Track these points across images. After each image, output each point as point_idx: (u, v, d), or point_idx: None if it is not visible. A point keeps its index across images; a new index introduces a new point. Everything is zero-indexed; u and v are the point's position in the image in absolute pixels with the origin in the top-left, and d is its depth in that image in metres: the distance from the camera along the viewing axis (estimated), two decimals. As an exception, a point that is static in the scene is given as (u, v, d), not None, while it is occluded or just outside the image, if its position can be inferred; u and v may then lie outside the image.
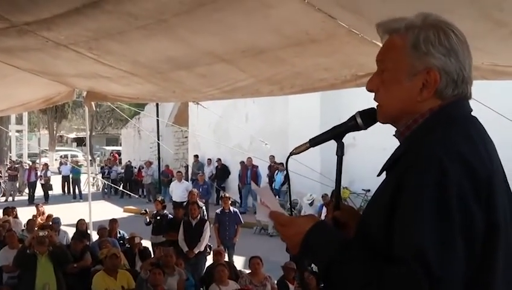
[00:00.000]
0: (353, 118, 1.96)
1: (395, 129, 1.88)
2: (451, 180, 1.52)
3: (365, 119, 1.94)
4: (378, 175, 1.83)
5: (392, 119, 1.85)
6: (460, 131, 1.68)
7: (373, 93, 1.89)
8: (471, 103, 1.84)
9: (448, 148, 1.59)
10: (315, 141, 2.01)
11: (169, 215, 12.34)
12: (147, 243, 10.90)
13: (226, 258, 10.69)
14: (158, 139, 27.70)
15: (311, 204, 15.99)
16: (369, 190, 18.04)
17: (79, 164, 31.34)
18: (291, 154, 2.06)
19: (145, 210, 12.83)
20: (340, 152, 1.99)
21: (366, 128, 1.96)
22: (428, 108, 1.76)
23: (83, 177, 27.36)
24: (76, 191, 28.59)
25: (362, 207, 18.48)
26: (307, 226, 1.73)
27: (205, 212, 13.02)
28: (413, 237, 1.49)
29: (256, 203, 1.87)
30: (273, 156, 20.17)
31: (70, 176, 29.49)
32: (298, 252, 1.75)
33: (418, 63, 1.74)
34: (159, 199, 13.39)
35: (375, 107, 1.90)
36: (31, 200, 26.07)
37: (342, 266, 1.61)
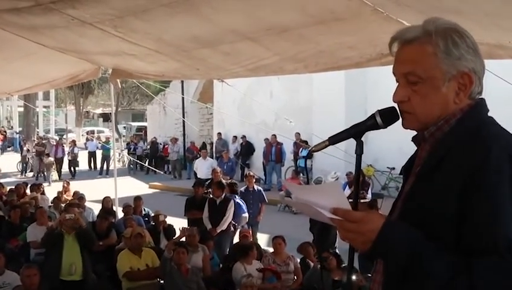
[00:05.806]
0: (372, 116, 1.97)
1: (415, 133, 1.96)
2: None
3: (385, 118, 1.95)
4: (401, 174, 1.85)
5: (426, 126, 1.89)
6: (500, 128, 1.80)
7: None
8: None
9: (510, 145, 1.71)
10: (334, 140, 2.01)
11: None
12: (171, 221, 10.93)
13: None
14: (183, 116, 27.76)
15: (335, 182, 15.93)
16: (393, 168, 17.87)
17: (109, 140, 31.26)
18: (311, 151, 2.08)
19: None
20: (359, 151, 1.99)
21: (385, 127, 1.97)
22: (459, 108, 1.84)
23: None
24: (105, 167, 28.48)
25: (387, 185, 18.40)
26: (380, 222, 1.72)
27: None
28: (502, 232, 1.62)
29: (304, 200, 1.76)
30: (299, 134, 20.12)
31: (101, 152, 29.52)
32: (370, 248, 1.72)
33: (452, 68, 1.80)
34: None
35: (398, 112, 1.94)
36: (59, 176, 26.21)
37: (425, 258, 1.67)
